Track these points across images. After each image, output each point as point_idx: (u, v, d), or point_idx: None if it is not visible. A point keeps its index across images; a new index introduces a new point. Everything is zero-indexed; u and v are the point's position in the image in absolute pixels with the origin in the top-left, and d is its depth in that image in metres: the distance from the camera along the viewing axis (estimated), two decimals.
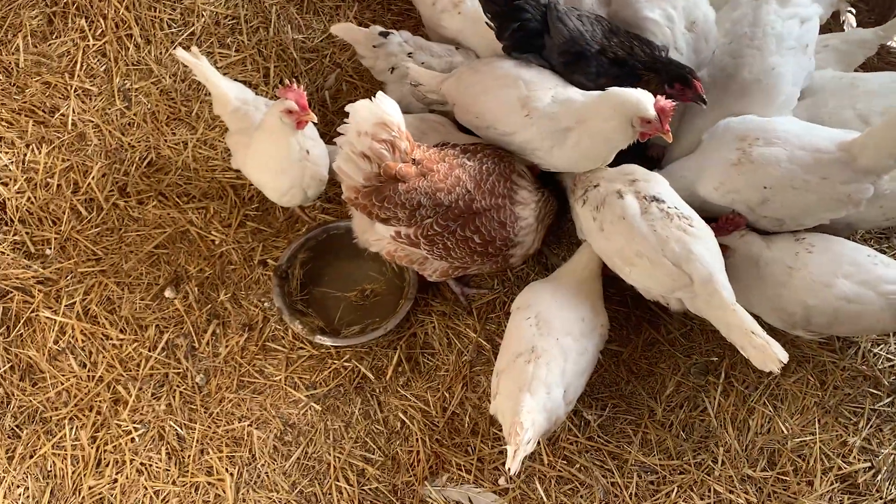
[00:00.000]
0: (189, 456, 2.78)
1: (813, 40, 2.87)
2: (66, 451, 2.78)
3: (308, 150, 2.80)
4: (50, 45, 3.50)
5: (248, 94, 3.06)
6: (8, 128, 3.33)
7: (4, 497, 2.69)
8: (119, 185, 3.26)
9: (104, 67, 3.49)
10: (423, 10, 3.29)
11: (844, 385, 2.88)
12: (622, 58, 2.71)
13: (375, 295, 3.08)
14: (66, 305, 3.01)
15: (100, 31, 3.53)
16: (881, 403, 2.84)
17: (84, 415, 2.84)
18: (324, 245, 3.11)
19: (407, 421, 2.85)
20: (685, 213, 2.53)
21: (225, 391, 2.89)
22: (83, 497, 2.72)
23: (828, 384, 2.88)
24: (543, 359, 2.46)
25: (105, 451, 2.79)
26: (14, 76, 3.43)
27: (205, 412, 2.86)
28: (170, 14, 3.58)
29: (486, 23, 2.83)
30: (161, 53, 3.53)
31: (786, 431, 2.80)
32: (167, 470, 2.76)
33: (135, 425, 2.83)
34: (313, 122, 2.74)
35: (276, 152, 2.78)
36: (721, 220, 2.69)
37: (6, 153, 3.27)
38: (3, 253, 3.09)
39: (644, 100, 2.49)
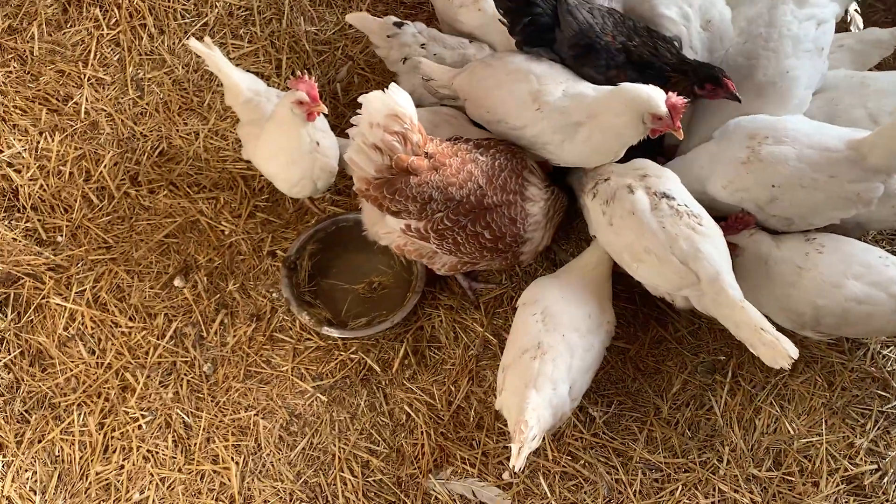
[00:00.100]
0: (195, 444, 2.80)
1: (829, 43, 2.85)
2: (73, 436, 2.80)
3: (318, 142, 2.81)
4: (64, 33, 3.52)
5: (259, 84, 3.06)
6: (22, 115, 3.35)
7: (13, 481, 2.72)
8: (130, 174, 3.28)
9: (118, 57, 3.51)
10: (439, 4, 3.28)
11: (852, 386, 2.86)
12: (648, 60, 2.69)
13: (383, 287, 3.09)
14: (76, 293, 3.03)
15: (114, 20, 3.54)
16: (889, 405, 2.83)
17: (92, 401, 2.86)
18: (333, 237, 3.11)
19: (412, 414, 2.86)
20: (695, 210, 2.52)
21: (232, 380, 2.91)
22: (90, 482, 2.74)
23: (836, 385, 2.86)
24: (549, 355, 2.46)
25: (112, 437, 2.81)
26: (28, 64, 3.45)
27: (212, 401, 2.88)
28: (183, 4, 3.59)
29: (499, 19, 2.83)
30: (174, 43, 3.54)
31: (792, 432, 2.79)
32: (173, 457, 2.78)
33: (142, 413, 2.85)
34: (324, 114, 2.75)
35: (287, 143, 2.78)
36: (730, 219, 2.67)
37: (19, 140, 3.29)
38: (15, 239, 3.12)
39: (655, 96, 2.48)
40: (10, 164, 3.25)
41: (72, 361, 2.92)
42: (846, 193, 2.55)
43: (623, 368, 2.93)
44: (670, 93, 2.49)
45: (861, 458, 2.74)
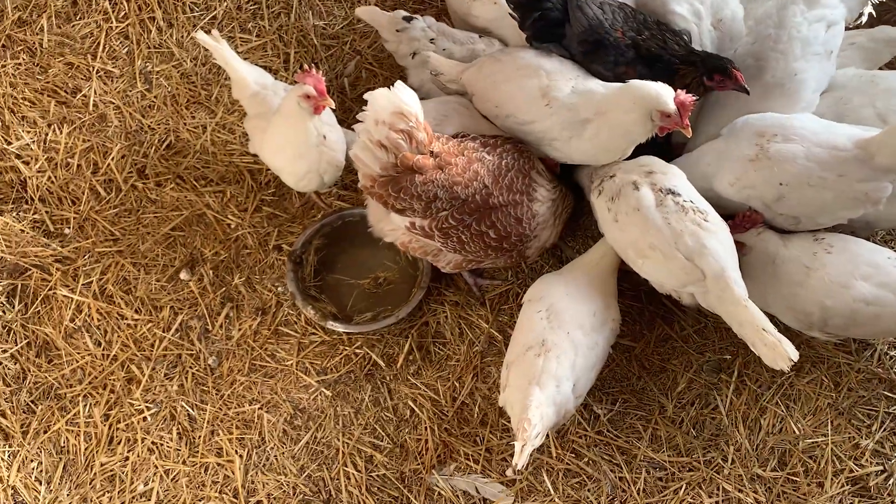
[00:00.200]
0: (199, 436, 2.81)
1: (838, 45, 2.82)
2: (79, 427, 2.82)
3: (325, 136, 2.81)
4: (73, 26, 3.53)
5: (267, 78, 3.07)
6: (30, 107, 3.37)
7: (18, 470, 2.74)
8: (138, 167, 3.29)
9: (126, 49, 3.52)
10: None
11: (859, 387, 2.85)
12: (656, 53, 2.68)
13: (388, 283, 3.09)
14: (82, 284, 3.04)
15: (123, 13, 3.55)
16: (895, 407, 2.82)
17: (98, 393, 2.87)
18: (339, 232, 3.12)
19: (416, 409, 2.86)
20: (701, 207, 2.52)
21: (237, 374, 2.92)
22: (95, 473, 2.75)
23: (842, 386, 2.85)
24: (553, 352, 2.46)
25: (117, 428, 2.82)
26: (38, 56, 3.47)
27: (216, 394, 2.89)
28: None
29: (509, 13, 2.82)
30: (183, 37, 3.55)
31: (797, 432, 2.78)
32: (178, 450, 2.79)
33: (147, 405, 2.86)
34: (331, 108, 2.75)
35: (294, 137, 2.79)
36: (738, 218, 2.66)
37: (28, 132, 3.31)
38: (23, 231, 3.13)
39: (664, 93, 2.47)
40: (18, 156, 3.26)
41: (78, 353, 2.93)
42: (854, 193, 2.53)
43: (628, 366, 2.92)
44: (679, 90, 2.48)
45: (866, 460, 2.72)
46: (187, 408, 2.86)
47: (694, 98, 2.48)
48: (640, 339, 2.96)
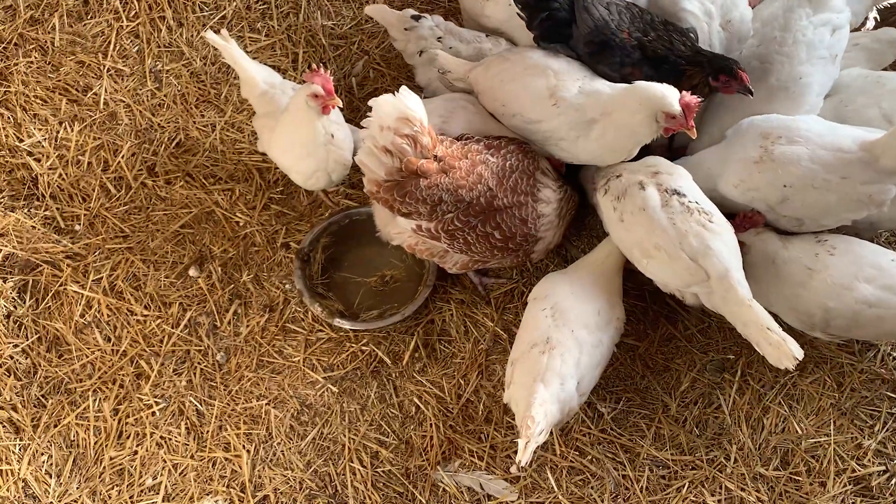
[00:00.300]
0: (207, 431, 2.84)
1: (843, 49, 2.84)
2: (89, 421, 2.85)
3: (333, 134, 2.83)
4: (85, 25, 3.57)
5: (275, 77, 3.09)
6: (42, 105, 3.40)
7: (29, 463, 2.77)
8: (148, 165, 3.32)
9: (137, 48, 3.55)
10: None
11: (862, 388, 2.86)
12: (662, 54, 2.70)
13: (395, 281, 3.11)
14: (93, 280, 3.07)
15: (133, 12, 3.59)
16: None
17: (107, 387, 2.91)
18: (346, 230, 3.14)
19: (422, 406, 2.89)
20: (706, 207, 2.53)
21: (244, 370, 2.95)
22: (104, 467, 2.78)
23: (845, 386, 2.87)
24: (558, 350, 2.48)
25: (126, 423, 2.85)
26: (49, 55, 3.50)
27: (224, 390, 2.92)
28: None
29: (517, 13, 2.84)
30: (192, 36, 3.58)
31: (800, 432, 2.79)
32: (186, 444, 2.82)
33: (156, 399, 2.89)
34: (339, 108, 2.77)
35: (302, 136, 2.81)
36: (739, 218, 2.68)
37: (40, 130, 3.34)
38: (34, 227, 3.17)
39: (669, 95, 2.49)
40: (30, 153, 3.30)
41: (88, 348, 2.97)
42: (858, 195, 2.55)
43: (632, 365, 2.94)
44: (684, 91, 2.50)
45: (869, 460, 2.74)
46: (195, 403, 2.89)
47: (699, 100, 2.50)
48: (644, 338, 2.98)
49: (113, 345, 2.98)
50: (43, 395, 2.90)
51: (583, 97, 2.67)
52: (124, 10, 3.58)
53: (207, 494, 2.74)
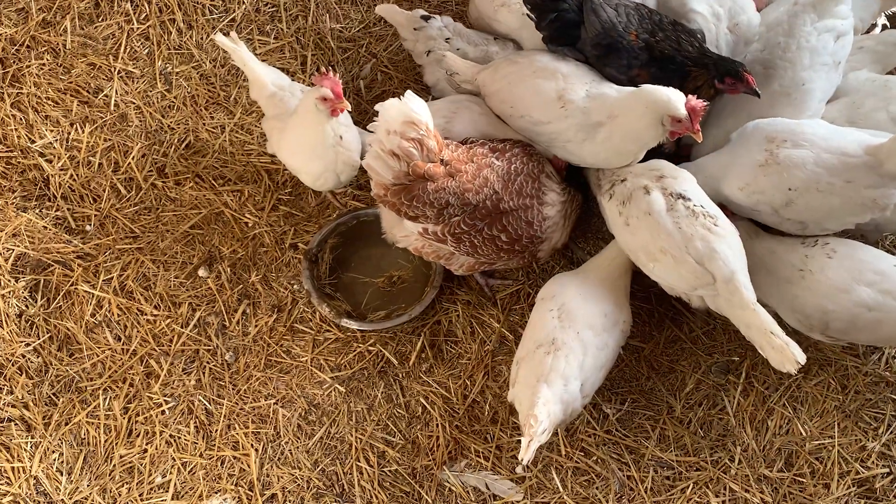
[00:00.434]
0: (216, 430, 2.87)
1: (846, 56, 2.85)
2: (99, 420, 2.88)
3: (342, 136, 2.85)
4: (96, 27, 3.60)
5: (284, 79, 3.12)
6: (54, 107, 3.44)
7: (40, 461, 2.80)
8: (158, 166, 3.35)
9: (147, 51, 3.58)
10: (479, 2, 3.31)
11: (866, 390, 2.87)
12: (669, 55, 2.71)
13: (402, 282, 3.14)
14: (103, 280, 3.10)
15: (144, 15, 3.62)
16: None
17: (118, 386, 2.94)
18: (353, 231, 3.17)
19: (428, 406, 2.91)
20: (710, 211, 2.55)
21: (253, 369, 2.97)
22: (114, 465, 2.82)
23: (849, 388, 2.88)
24: (563, 351, 2.50)
25: (136, 421, 2.88)
26: (61, 57, 3.53)
27: (233, 389, 2.95)
28: (212, 0, 3.65)
29: (526, 14, 2.86)
30: (202, 38, 3.61)
31: (804, 433, 2.80)
32: (195, 443, 2.85)
33: (165, 398, 2.92)
34: (347, 110, 2.80)
35: (311, 138, 2.84)
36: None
37: (51, 131, 3.38)
38: (46, 228, 3.20)
39: (675, 99, 2.51)
40: (41, 154, 3.33)
41: (98, 347, 3.00)
42: (862, 199, 2.55)
43: (637, 367, 2.96)
44: (690, 95, 2.51)
45: (873, 462, 2.75)
46: (204, 402, 2.92)
47: (705, 104, 2.51)
48: (649, 339, 3.00)
49: (123, 344, 3.01)
50: (54, 394, 2.93)
51: (590, 100, 2.69)
52: (135, 13, 3.61)
53: (216, 493, 2.77)
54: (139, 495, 2.76)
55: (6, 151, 3.32)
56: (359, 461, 2.82)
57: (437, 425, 2.87)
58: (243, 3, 3.65)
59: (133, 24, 3.60)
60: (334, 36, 3.63)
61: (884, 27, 3.10)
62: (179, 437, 2.86)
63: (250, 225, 3.23)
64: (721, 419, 2.85)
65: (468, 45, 3.17)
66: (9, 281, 3.06)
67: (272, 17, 3.66)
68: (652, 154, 2.74)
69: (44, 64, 3.51)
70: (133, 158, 3.34)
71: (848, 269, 2.56)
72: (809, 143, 2.58)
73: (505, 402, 2.88)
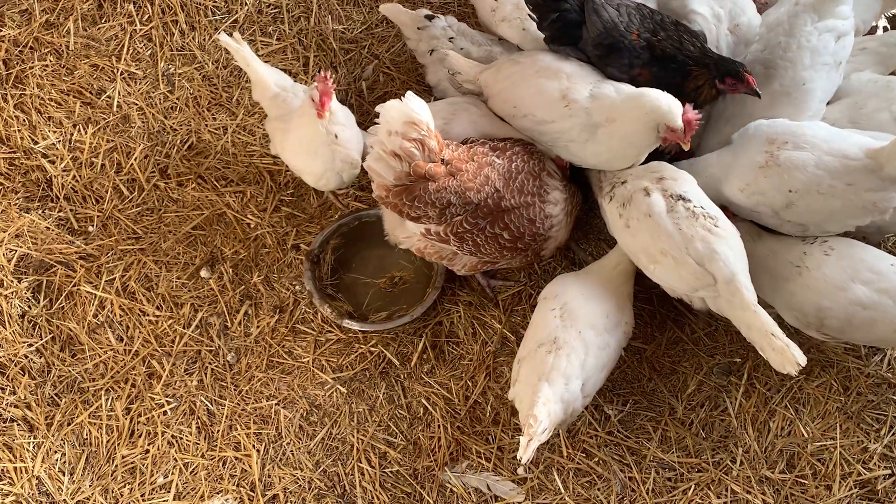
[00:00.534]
0: (218, 431, 2.88)
1: (846, 56, 2.84)
2: (101, 420, 2.89)
3: (337, 134, 2.83)
4: (99, 28, 3.61)
5: (286, 80, 3.13)
6: (57, 108, 3.44)
7: (43, 461, 2.81)
8: (160, 167, 3.36)
9: (150, 52, 3.59)
10: (480, 12, 3.30)
11: (868, 391, 2.87)
12: (671, 54, 2.72)
13: (404, 283, 3.14)
14: (105, 281, 3.11)
15: (147, 16, 3.62)
16: None
17: (120, 387, 2.94)
18: (355, 232, 3.17)
19: (429, 407, 2.91)
20: (711, 212, 2.55)
21: (255, 370, 2.98)
22: (116, 465, 2.82)
23: (851, 390, 2.87)
24: (564, 350, 2.50)
25: (138, 422, 2.89)
26: (64, 58, 3.54)
27: (234, 389, 2.95)
28: (214, 2, 3.66)
29: (528, 14, 2.87)
30: (205, 40, 3.61)
31: (806, 435, 2.80)
32: (197, 443, 2.86)
33: (167, 399, 2.93)
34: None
35: (307, 135, 2.84)
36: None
37: (54, 132, 3.39)
38: (49, 228, 3.21)
39: (675, 109, 2.51)
40: (44, 155, 3.34)
41: (100, 348, 3.01)
42: (862, 202, 2.55)
43: (639, 368, 2.96)
44: (687, 106, 2.52)
45: (875, 463, 2.74)
46: (206, 402, 2.93)
47: (699, 116, 2.52)
48: (651, 341, 3.00)
49: (125, 345, 3.02)
50: (56, 394, 2.94)
51: (591, 101, 2.70)
52: (138, 14, 3.62)
53: (218, 493, 2.78)
54: (141, 496, 2.77)
55: (9, 152, 3.33)
56: (360, 462, 2.83)
57: (439, 426, 2.87)
58: (246, 4, 3.66)
59: (136, 26, 3.60)
60: (336, 37, 3.64)
61: (885, 29, 3.10)
62: (181, 438, 2.87)
63: (252, 226, 3.23)
64: (723, 420, 2.85)
65: (472, 45, 3.17)
66: (12, 281, 3.07)
67: (274, 18, 3.67)
68: (653, 156, 2.74)
69: (47, 65, 3.52)
70: (135, 159, 3.35)
71: (845, 266, 2.56)
72: (810, 146, 2.58)
73: (506, 403, 2.88)
